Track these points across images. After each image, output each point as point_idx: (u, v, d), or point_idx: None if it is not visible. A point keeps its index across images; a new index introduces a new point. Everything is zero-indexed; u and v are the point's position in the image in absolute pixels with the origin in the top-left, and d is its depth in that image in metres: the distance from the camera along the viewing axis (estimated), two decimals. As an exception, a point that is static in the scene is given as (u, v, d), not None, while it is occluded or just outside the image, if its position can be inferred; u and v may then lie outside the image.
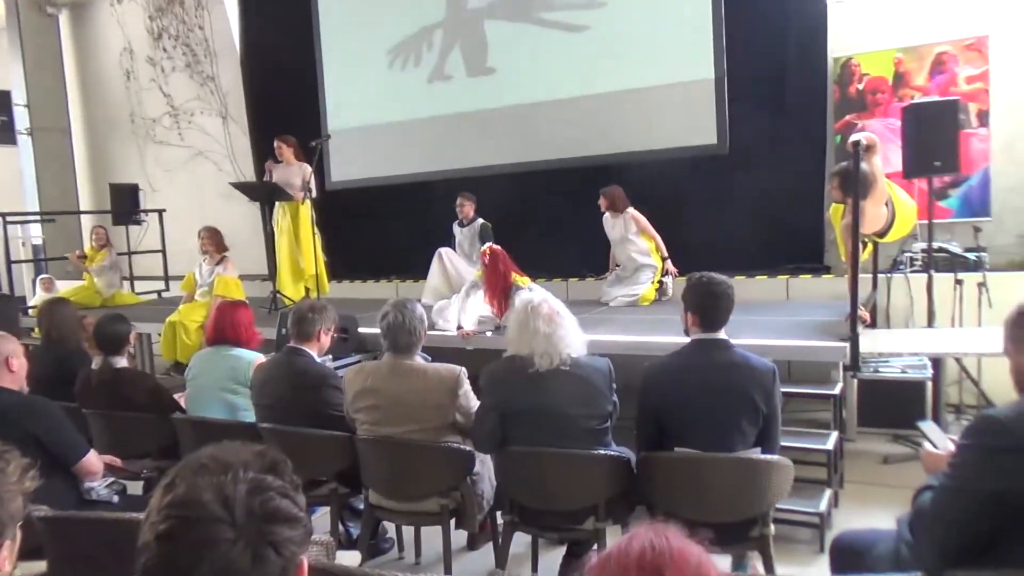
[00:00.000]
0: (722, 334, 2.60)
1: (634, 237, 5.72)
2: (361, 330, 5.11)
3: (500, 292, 4.66)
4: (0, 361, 2.64)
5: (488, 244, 4.93)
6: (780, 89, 6.07)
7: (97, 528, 2.26)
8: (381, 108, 7.93)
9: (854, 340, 3.74)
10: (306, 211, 6.22)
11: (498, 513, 2.92)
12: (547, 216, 6.92)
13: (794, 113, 6.05)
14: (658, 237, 5.72)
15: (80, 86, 10.79)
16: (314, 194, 6.22)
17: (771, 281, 5.94)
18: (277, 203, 6.31)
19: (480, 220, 6.33)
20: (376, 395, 2.88)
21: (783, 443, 2.69)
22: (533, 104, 7.06)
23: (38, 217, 9.95)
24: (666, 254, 5.71)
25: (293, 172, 6.23)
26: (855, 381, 4.51)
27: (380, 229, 7.79)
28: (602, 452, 2.61)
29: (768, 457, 2.47)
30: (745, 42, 6.11)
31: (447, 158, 7.48)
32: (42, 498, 2.28)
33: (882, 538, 2.07)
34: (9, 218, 8.28)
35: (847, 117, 5.97)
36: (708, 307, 2.58)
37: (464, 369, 2.88)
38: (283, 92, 8.39)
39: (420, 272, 6.41)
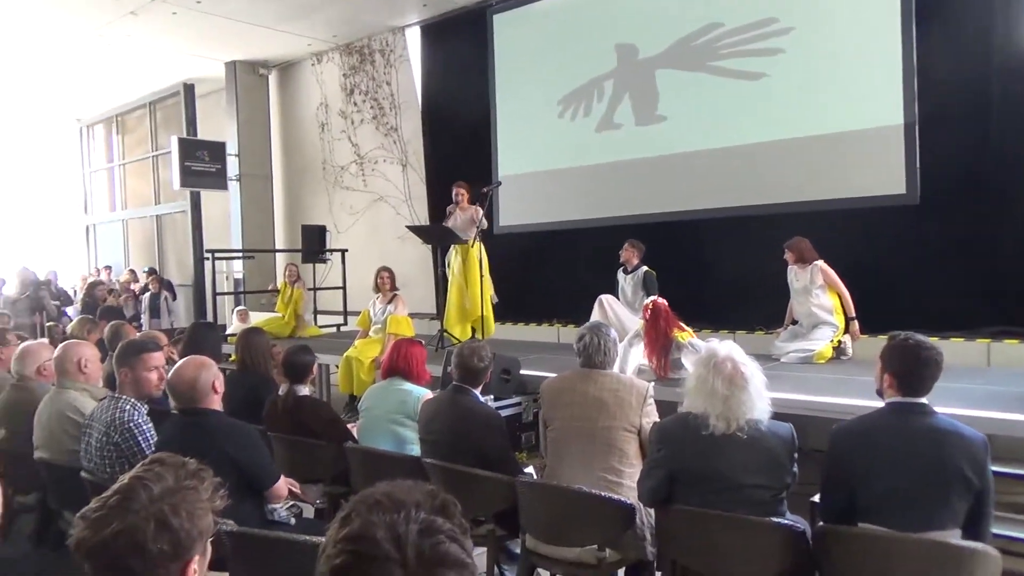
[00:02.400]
0: (924, 400, 2.36)
1: (819, 291, 5.36)
2: (523, 372, 5.17)
3: (659, 348, 4.57)
4: (208, 387, 2.87)
5: (652, 298, 4.85)
6: (981, 134, 5.55)
7: (277, 547, 2.40)
8: (550, 156, 8.13)
9: (1075, 416, 3.28)
10: (475, 253, 6.45)
11: (658, 574, 2.81)
12: (715, 266, 6.72)
13: (1000, 157, 5.50)
14: (846, 294, 5.31)
15: (282, 137, 11.95)
16: (484, 226, 6.45)
17: (968, 344, 5.37)
18: (452, 246, 6.58)
19: (644, 268, 6.26)
20: (572, 394, 3.08)
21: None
22: (703, 152, 6.95)
23: (240, 254, 11.05)
24: (853, 314, 5.29)
25: (469, 215, 6.51)
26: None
27: (545, 273, 7.92)
28: (775, 521, 2.43)
29: (969, 544, 2.19)
30: (941, 85, 5.67)
31: (614, 205, 7.51)
32: (230, 516, 2.47)
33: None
34: (217, 254, 9.25)
35: (1063, 163, 5.35)
36: (912, 372, 2.35)
37: (652, 385, 3.11)
38: (458, 141, 8.85)
39: (582, 317, 6.39)
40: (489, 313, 6.63)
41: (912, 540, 2.19)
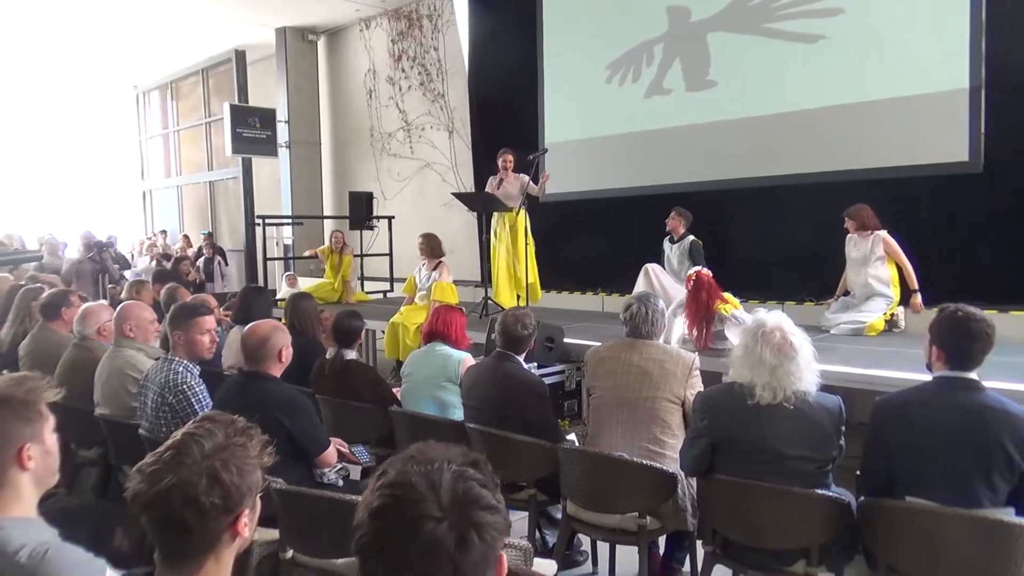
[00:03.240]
0: (973, 374, 2.30)
1: (878, 262, 5.21)
2: (567, 340, 5.17)
3: (701, 320, 4.51)
4: (274, 352, 2.95)
5: (695, 268, 4.77)
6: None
7: (324, 505, 2.48)
8: (597, 122, 8.01)
9: None
10: (522, 221, 6.45)
11: (699, 542, 2.81)
12: (764, 235, 6.57)
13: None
14: (908, 266, 5.16)
15: (330, 104, 12.03)
16: (535, 192, 6.48)
17: (1030, 318, 5.18)
18: (496, 213, 6.59)
19: (691, 237, 6.17)
20: (616, 363, 3.08)
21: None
22: (755, 118, 6.76)
23: (289, 220, 11.23)
24: (916, 287, 5.13)
25: (513, 183, 6.50)
26: None
27: (590, 242, 7.87)
28: (820, 492, 2.40)
29: (1020, 521, 2.14)
30: (1010, 48, 5.39)
31: (662, 172, 7.38)
32: (283, 478, 2.56)
33: None
34: (268, 220, 9.42)
35: None
36: (961, 345, 2.28)
37: (698, 357, 3.10)
38: (505, 108, 8.79)
39: (627, 286, 6.37)
40: (536, 280, 6.63)
41: (960, 515, 2.14)
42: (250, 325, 3.04)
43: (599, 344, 3.42)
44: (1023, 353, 4.33)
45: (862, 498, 2.43)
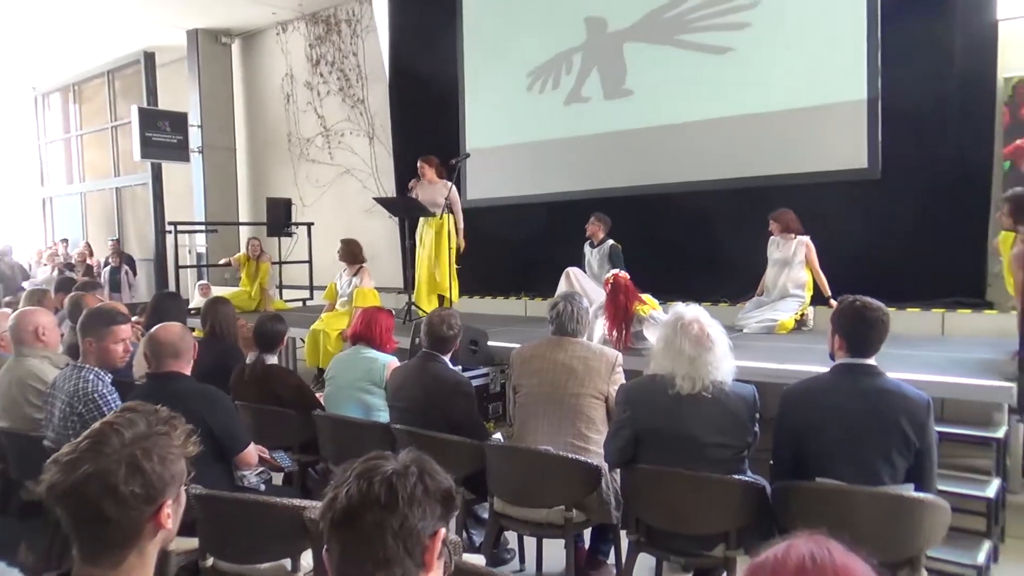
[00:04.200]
0: (871, 360, 2.44)
1: (798, 265, 5.48)
2: (491, 343, 5.20)
3: (619, 321, 4.63)
4: (182, 353, 2.86)
5: (613, 272, 4.89)
6: (941, 111, 5.66)
7: (246, 508, 2.42)
8: (518, 129, 8.10)
9: (1022, 380, 3.41)
10: (446, 226, 6.44)
11: (623, 532, 2.87)
12: (680, 239, 6.79)
13: (957, 136, 5.62)
14: (822, 275, 5.45)
15: (246, 108, 11.72)
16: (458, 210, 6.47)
17: (925, 315, 5.52)
18: (422, 219, 6.54)
19: (610, 242, 6.31)
20: (542, 360, 3.13)
21: (938, 487, 2.48)
22: (670, 126, 6.99)
23: (203, 227, 10.87)
24: (829, 293, 5.36)
25: (437, 190, 6.46)
26: (1021, 427, 4.09)
27: (512, 247, 7.93)
28: (735, 478, 2.51)
29: (921, 496, 2.29)
30: (903, 62, 5.76)
31: (581, 179, 7.52)
32: (199, 481, 2.47)
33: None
34: (179, 227, 9.08)
35: (1018, 141, 5.48)
36: (859, 332, 2.43)
37: (621, 355, 3.21)
38: (426, 113, 8.77)
39: (549, 290, 6.44)
40: (455, 284, 6.63)
41: (866, 492, 2.28)
42: (157, 326, 2.94)
43: (524, 344, 3.46)
44: (918, 347, 4.63)
45: (779, 482, 2.54)
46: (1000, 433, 3.49)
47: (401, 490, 1.14)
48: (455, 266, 6.60)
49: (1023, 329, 3.51)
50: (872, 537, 2.28)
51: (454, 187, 6.43)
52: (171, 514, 1.26)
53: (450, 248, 6.44)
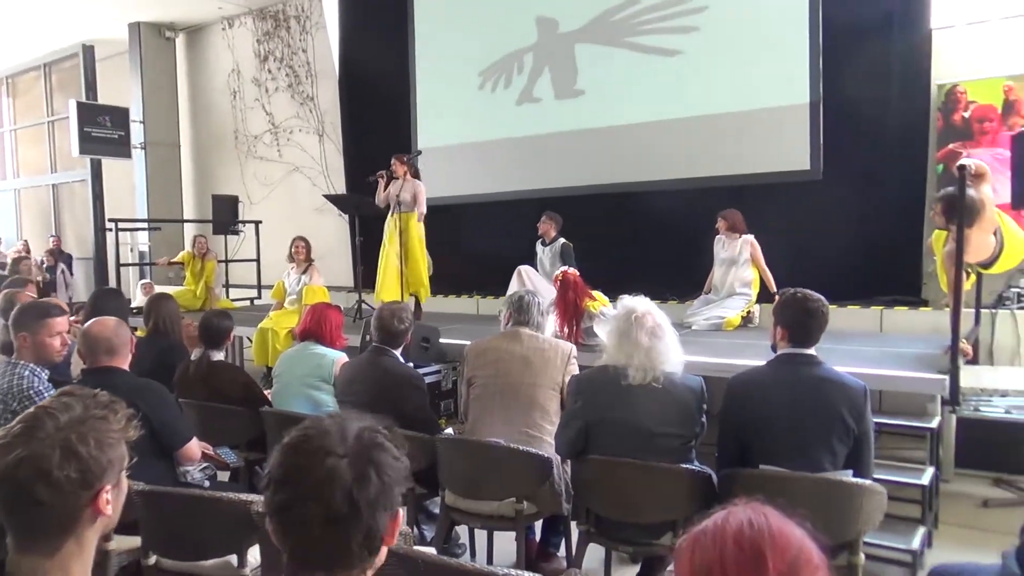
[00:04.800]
0: (812, 350, 2.52)
1: (744, 264, 5.60)
2: (443, 341, 5.18)
3: (570, 318, 4.67)
4: (119, 347, 2.78)
5: (562, 269, 4.94)
6: (880, 115, 5.87)
7: (190, 505, 2.36)
8: (470, 128, 8.10)
9: (954, 373, 3.55)
10: (415, 224, 6.37)
11: (573, 523, 2.90)
12: (631, 238, 6.88)
13: (894, 140, 5.85)
14: (768, 272, 5.57)
15: (191, 104, 11.46)
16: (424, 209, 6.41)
17: (864, 312, 5.71)
18: (388, 216, 6.43)
19: (562, 240, 6.35)
20: (498, 352, 3.15)
21: (875, 476, 2.57)
22: (621, 127, 7.08)
23: (146, 225, 10.57)
24: (775, 290, 5.45)
25: (406, 188, 6.38)
26: (953, 418, 4.26)
27: (464, 246, 7.92)
28: (683, 467, 2.56)
29: (860, 481, 2.37)
30: (844, 67, 5.96)
31: (533, 178, 7.57)
32: (141, 478, 2.40)
33: (984, 571, 1.95)
34: (121, 224, 8.82)
35: (951, 145, 5.72)
36: (800, 323, 2.51)
37: (575, 347, 3.26)
38: (377, 111, 8.71)
39: (501, 289, 6.46)
40: (427, 282, 6.58)
41: (808, 478, 2.35)
42: (92, 320, 2.86)
43: (479, 338, 3.46)
44: (858, 342, 4.78)
45: (724, 470, 2.60)
46: (934, 424, 3.63)
47: (363, 500, 1.04)
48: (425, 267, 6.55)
49: (954, 324, 3.65)
50: (813, 522, 2.34)
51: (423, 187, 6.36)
52: (111, 500, 1.22)
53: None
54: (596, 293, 4.79)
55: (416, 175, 6.40)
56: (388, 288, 6.34)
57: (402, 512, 1.14)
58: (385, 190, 6.39)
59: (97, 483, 1.19)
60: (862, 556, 2.41)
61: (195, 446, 2.91)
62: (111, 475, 1.22)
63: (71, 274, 11.03)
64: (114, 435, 1.23)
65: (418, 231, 6.39)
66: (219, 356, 3.73)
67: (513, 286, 6.13)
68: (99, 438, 1.20)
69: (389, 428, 1.16)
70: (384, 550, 1.12)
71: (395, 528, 1.10)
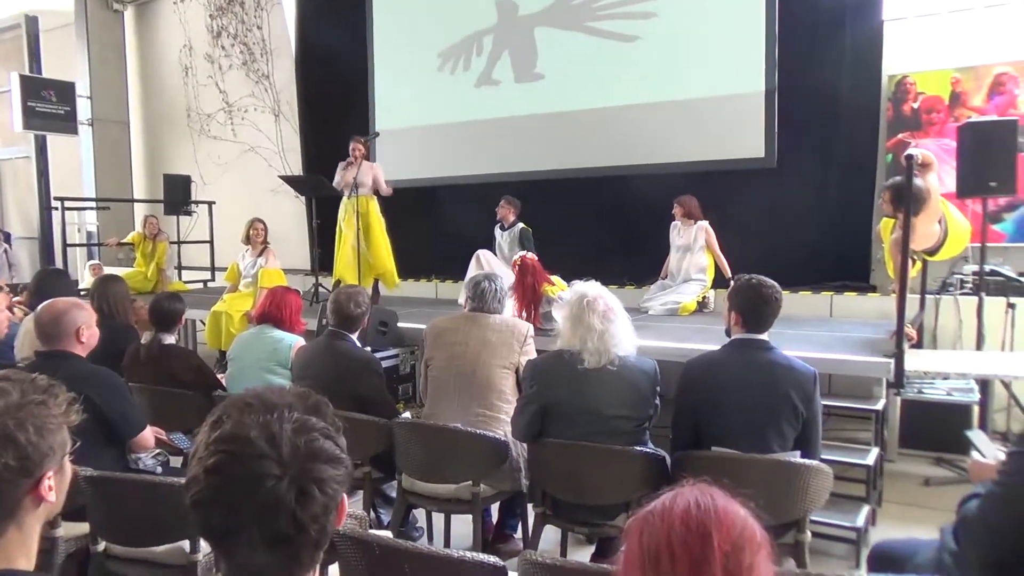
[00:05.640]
0: (764, 336, 2.57)
1: (700, 251, 5.68)
2: (401, 325, 5.16)
3: (528, 302, 4.70)
4: (72, 331, 2.70)
5: (519, 254, 4.95)
6: (832, 104, 5.99)
7: (140, 490, 2.32)
8: (428, 110, 8.03)
9: (899, 356, 3.66)
10: (375, 208, 6.30)
11: (529, 505, 2.92)
12: (589, 223, 6.92)
13: (845, 129, 5.98)
14: (722, 258, 5.65)
15: (141, 80, 11.11)
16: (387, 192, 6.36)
17: (815, 297, 5.85)
18: (344, 199, 6.34)
19: (520, 225, 6.36)
20: (456, 334, 3.18)
21: (823, 456, 2.64)
22: (580, 111, 7.09)
23: (94, 204, 10.26)
24: (730, 275, 5.48)
25: (364, 171, 6.29)
26: (898, 400, 4.41)
27: (421, 229, 7.86)
28: (637, 449, 2.60)
29: (806, 461, 2.44)
30: (798, 56, 6.05)
31: (492, 162, 7.54)
32: (93, 466, 2.35)
33: (923, 547, 2.02)
34: (67, 203, 8.54)
35: (900, 135, 5.87)
36: (754, 308, 2.56)
37: (532, 327, 3.32)
38: (335, 92, 8.56)
39: (460, 273, 6.45)
40: (392, 267, 6.51)
41: (757, 459, 2.41)
42: (46, 302, 2.77)
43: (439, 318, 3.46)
44: (808, 327, 4.90)
45: (677, 453, 2.65)
46: (879, 406, 3.74)
47: (309, 517, 0.93)
48: (391, 252, 6.48)
49: (900, 309, 3.75)
50: (762, 501, 2.40)
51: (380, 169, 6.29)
52: (53, 486, 1.19)
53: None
54: (555, 278, 4.81)
55: (367, 157, 6.31)
56: (349, 270, 6.27)
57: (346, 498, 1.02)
58: (348, 173, 6.32)
59: (37, 470, 1.16)
60: (808, 534, 2.49)
61: (149, 435, 2.85)
62: (52, 461, 1.19)
63: (11, 249, 10.65)
64: (54, 420, 1.20)
65: (379, 214, 6.32)
66: (171, 339, 3.66)
67: (471, 271, 6.12)
68: (38, 424, 1.17)
69: (319, 406, 1.01)
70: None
71: (342, 515, 1.01)
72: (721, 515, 0.91)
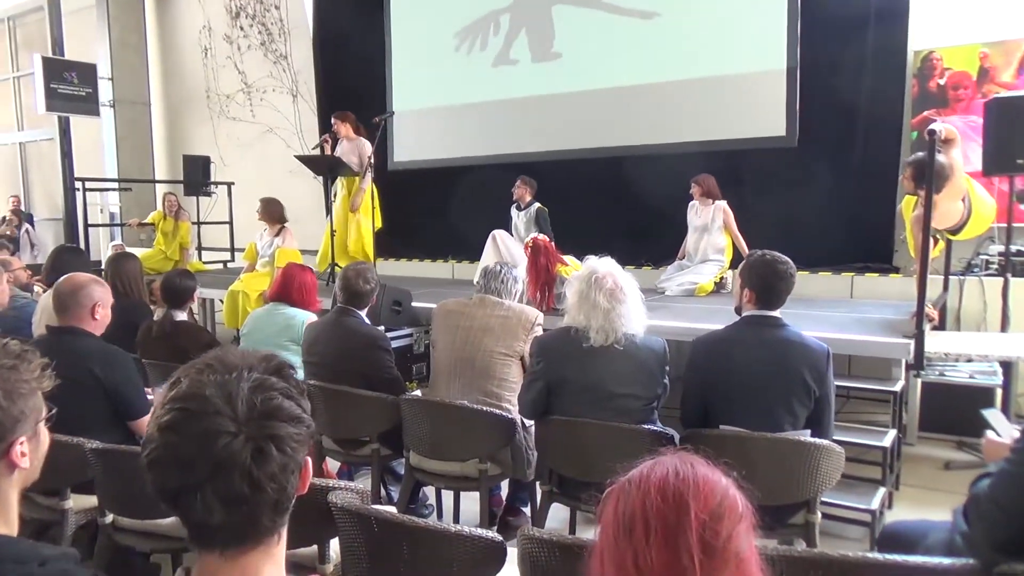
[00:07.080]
0: (777, 313, 2.51)
1: (717, 230, 5.60)
2: (415, 304, 5.15)
3: (541, 283, 4.65)
4: (88, 305, 2.70)
5: (532, 235, 4.90)
6: (856, 81, 5.84)
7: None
8: (446, 90, 7.97)
9: (919, 337, 3.58)
10: (363, 188, 6.29)
11: (537, 483, 2.90)
12: (606, 203, 6.84)
13: (869, 107, 5.83)
14: (740, 238, 5.56)
15: (161, 62, 11.17)
16: (371, 172, 6.26)
17: (835, 278, 5.74)
18: (339, 177, 6.38)
19: (537, 204, 6.31)
20: (461, 317, 3.14)
21: (838, 437, 2.58)
22: (598, 91, 6.99)
23: (115, 185, 10.36)
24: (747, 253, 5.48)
25: (350, 149, 6.29)
26: (918, 382, 4.32)
27: (439, 209, 7.84)
28: (644, 427, 2.56)
29: (817, 441, 2.38)
30: (821, 33, 5.91)
31: (509, 142, 7.48)
32: (101, 441, 2.37)
33: (935, 528, 1.97)
34: (89, 184, 8.63)
35: (925, 112, 5.71)
36: (767, 285, 2.50)
37: (541, 315, 3.24)
38: (352, 72, 8.54)
39: (475, 254, 6.41)
40: (369, 246, 6.49)
41: (767, 438, 2.36)
42: (64, 276, 2.79)
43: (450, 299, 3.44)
44: (827, 307, 4.82)
45: (686, 431, 2.60)
46: (897, 387, 3.67)
47: (265, 476, 0.91)
48: (369, 231, 6.45)
49: (921, 289, 3.67)
50: (772, 480, 2.37)
51: (371, 147, 6.24)
52: (26, 452, 1.19)
53: (374, 209, 6.31)
54: (568, 258, 4.75)
55: (370, 135, 6.27)
56: (340, 254, 6.29)
57: (309, 460, 1.00)
58: (331, 152, 6.32)
59: (9, 436, 1.16)
60: (819, 514, 2.44)
61: (148, 421, 2.85)
62: (24, 426, 1.18)
63: (35, 231, 10.82)
64: (25, 385, 1.19)
65: (369, 195, 6.28)
66: (182, 316, 3.67)
67: (487, 251, 6.09)
68: (9, 388, 1.16)
69: (281, 368, 0.99)
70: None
71: (307, 479, 0.99)
72: (700, 484, 0.88)
